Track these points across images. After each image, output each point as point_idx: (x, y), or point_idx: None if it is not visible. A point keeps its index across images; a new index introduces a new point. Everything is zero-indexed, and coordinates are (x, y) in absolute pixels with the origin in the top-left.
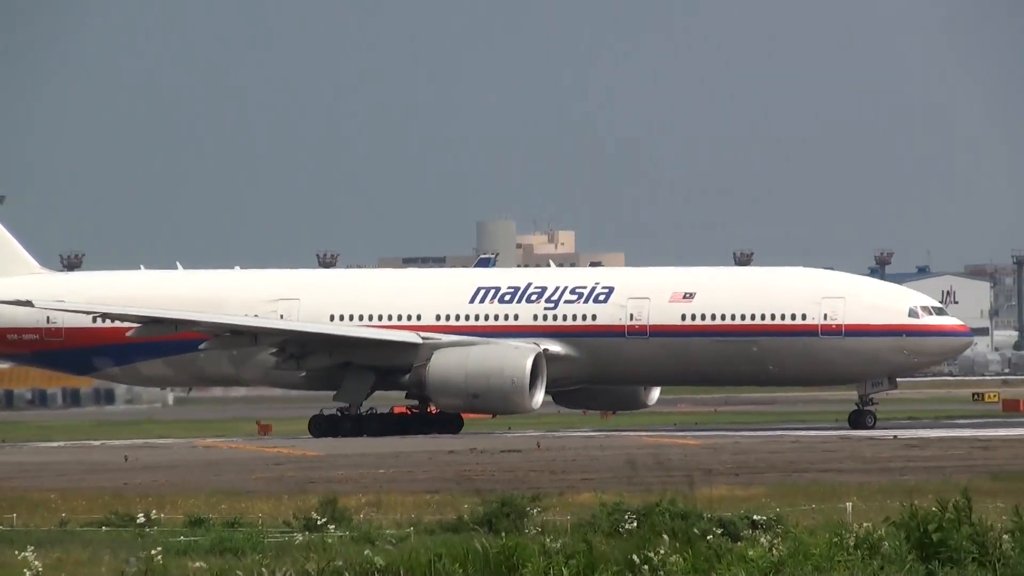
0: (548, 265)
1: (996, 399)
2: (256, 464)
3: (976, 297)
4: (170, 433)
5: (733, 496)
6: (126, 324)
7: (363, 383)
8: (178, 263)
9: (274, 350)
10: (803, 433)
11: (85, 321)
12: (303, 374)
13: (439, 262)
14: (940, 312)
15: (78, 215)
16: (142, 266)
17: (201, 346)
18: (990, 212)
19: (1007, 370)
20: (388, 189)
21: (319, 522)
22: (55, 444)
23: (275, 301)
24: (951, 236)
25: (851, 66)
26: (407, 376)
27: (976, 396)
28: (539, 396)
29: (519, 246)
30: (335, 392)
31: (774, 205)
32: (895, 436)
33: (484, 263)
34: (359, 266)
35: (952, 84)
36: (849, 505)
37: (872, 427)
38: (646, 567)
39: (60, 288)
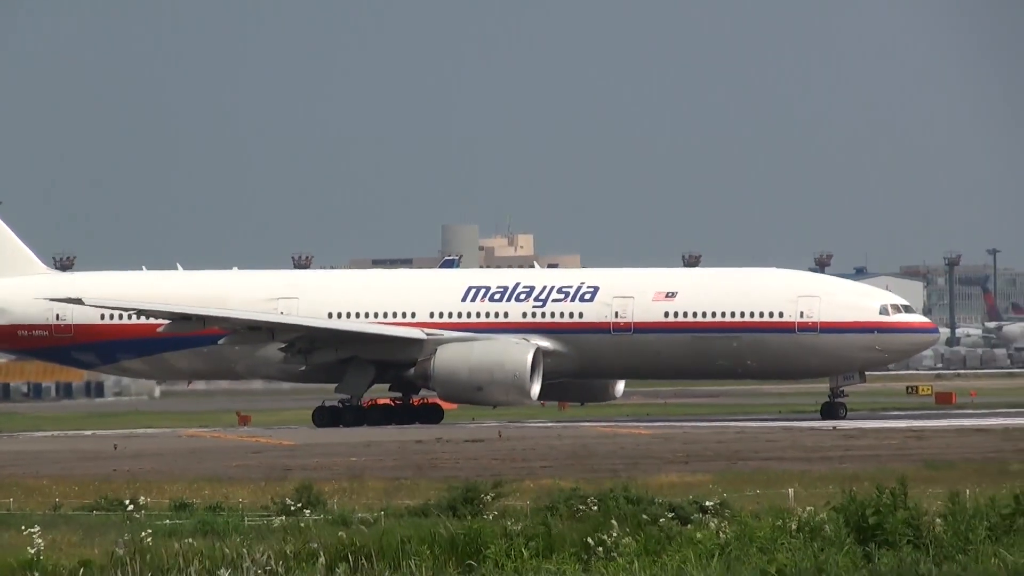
0: (508, 267)
1: (929, 392)
2: (236, 452)
3: (910, 296)
4: (156, 423)
5: (682, 483)
6: (152, 321)
7: (364, 376)
8: (178, 264)
9: (283, 345)
10: (748, 424)
11: (94, 318)
12: (303, 368)
13: (406, 263)
14: (908, 310)
15: (59, 219)
16: (143, 267)
17: (220, 341)
18: (924, 216)
19: (939, 365)
20: (358, 194)
21: (295, 506)
22: (48, 434)
23: (275, 300)
24: (887, 239)
25: (793, 76)
26: (412, 370)
27: (910, 389)
28: (537, 388)
29: (481, 248)
30: (336, 385)
31: (720, 209)
32: (834, 427)
33: (448, 264)
34: (332, 267)
35: (891, 94)
36: (791, 491)
37: (844, 418)
38: (600, 549)
39: (70, 287)
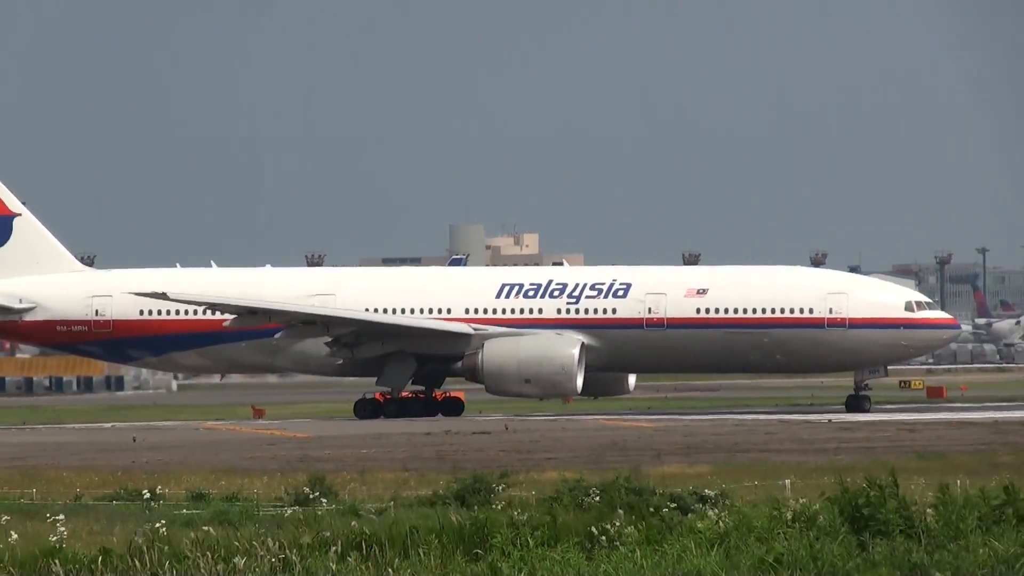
0: (514, 264)
1: (921, 386)
2: (251, 444)
3: None
4: (174, 416)
5: (683, 474)
6: (189, 317)
7: (406, 370)
8: (212, 262)
9: (329, 340)
10: (747, 417)
11: (133, 314)
12: (341, 362)
13: (415, 262)
14: (931, 306)
15: (73, 217)
16: (177, 264)
17: (276, 336)
18: (916, 216)
19: (931, 360)
20: (368, 195)
21: (309, 496)
22: (70, 426)
23: (312, 296)
24: (880, 238)
25: (787, 77)
26: (459, 363)
27: (903, 383)
28: (581, 381)
29: (488, 247)
30: (376, 378)
31: (718, 209)
32: (829, 420)
33: (456, 263)
34: (344, 266)
35: (884, 95)
36: (788, 482)
37: (868, 410)
38: (604, 538)
39: (111, 284)
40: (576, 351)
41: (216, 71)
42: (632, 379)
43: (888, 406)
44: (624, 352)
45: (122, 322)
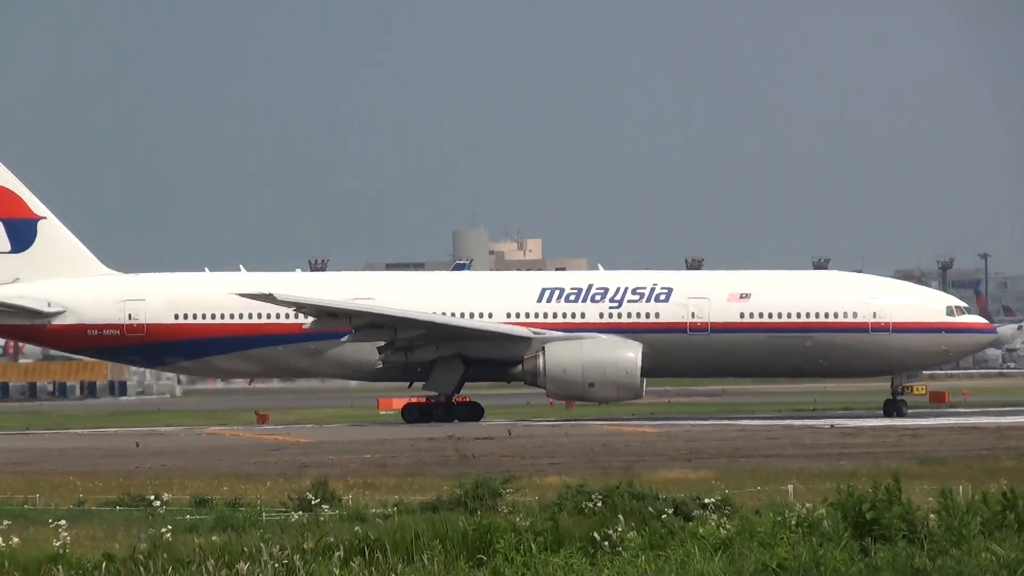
0: (517, 270)
1: (923, 392)
2: (255, 450)
3: None
4: (177, 422)
5: (685, 479)
6: (214, 321)
7: (454, 373)
8: (241, 266)
9: (382, 343)
10: (749, 422)
11: (166, 318)
12: (380, 366)
13: (419, 267)
14: (970, 312)
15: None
16: (206, 268)
17: (343, 338)
18: (918, 221)
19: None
20: (371, 200)
21: (312, 502)
22: (73, 431)
23: (352, 300)
24: (882, 243)
25: (789, 83)
26: (517, 367)
27: (905, 389)
28: (643, 384)
29: (491, 252)
30: (424, 382)
31: (720, 215)
32: (832, 425)
33: (460, 267)
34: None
35: (885, 101)
36: (791, 487)
37: (905, 415)
38: (607, 543)
39: (141, 287)
40: (640, 356)
41: (214, 75)
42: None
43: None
44: (668, 356)
45: (156, 326)
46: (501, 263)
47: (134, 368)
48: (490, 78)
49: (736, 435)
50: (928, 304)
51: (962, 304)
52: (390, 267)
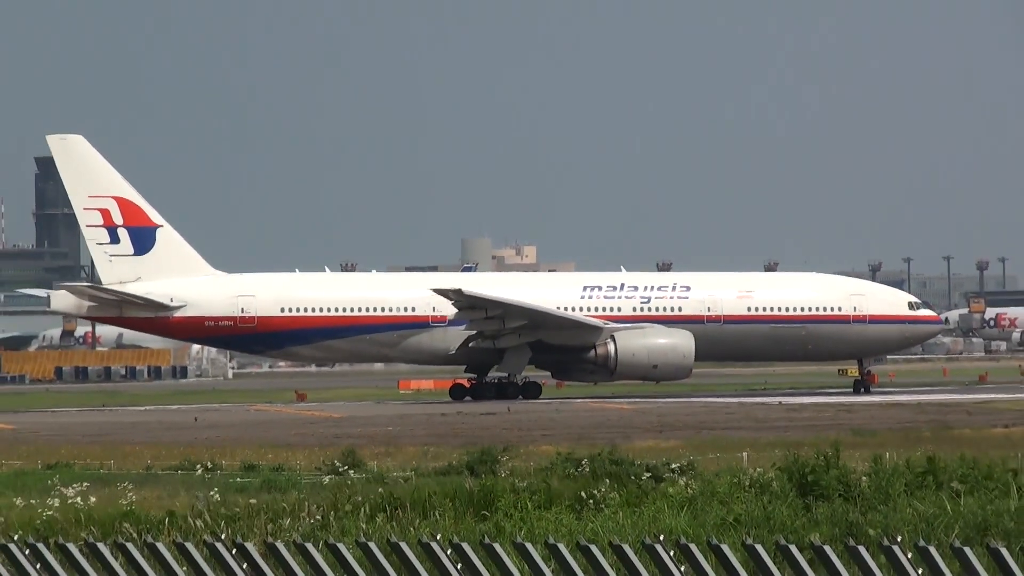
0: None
1: (856, 374)
2: (294, 424)
3: None
4: (229, 400)
5: (657, 448)
6: (321, 314)
7: (523, 357)
8: (326, 267)
9: (473, 332)
10: (711, 400)
11: (274, 311)
12: (452, 352)
13: (432, 269)
14: (925, 306)
15: None
16: (298, 268)
17: (464, 326)
18: (852, 229)
19: None
20: (391, 211)
21: (342, 468)
22: (142, 408)
23: (427, 297)
24: (823, 248)
25: (739, 111)
26: (590, 352)
27: (841, 371)
28: None
29: (494, 257)
30: (497, 365)
31: (686, 224)
32: (780, 402)
33: (468, 270)
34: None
35: (825, 126)
36: (745, 454)
37: (870, 392)
38: (591, 501)
39: (251, 285)
40: (693, 342)
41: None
42: None
43: (829, 390)
44: None
45: (265, 318)
46: (502, 266)
47: (193, 354)
48: (492, 106)
49: (700, 410)
50: (895, 300)
51: (918, 300)
52: (408, 270)
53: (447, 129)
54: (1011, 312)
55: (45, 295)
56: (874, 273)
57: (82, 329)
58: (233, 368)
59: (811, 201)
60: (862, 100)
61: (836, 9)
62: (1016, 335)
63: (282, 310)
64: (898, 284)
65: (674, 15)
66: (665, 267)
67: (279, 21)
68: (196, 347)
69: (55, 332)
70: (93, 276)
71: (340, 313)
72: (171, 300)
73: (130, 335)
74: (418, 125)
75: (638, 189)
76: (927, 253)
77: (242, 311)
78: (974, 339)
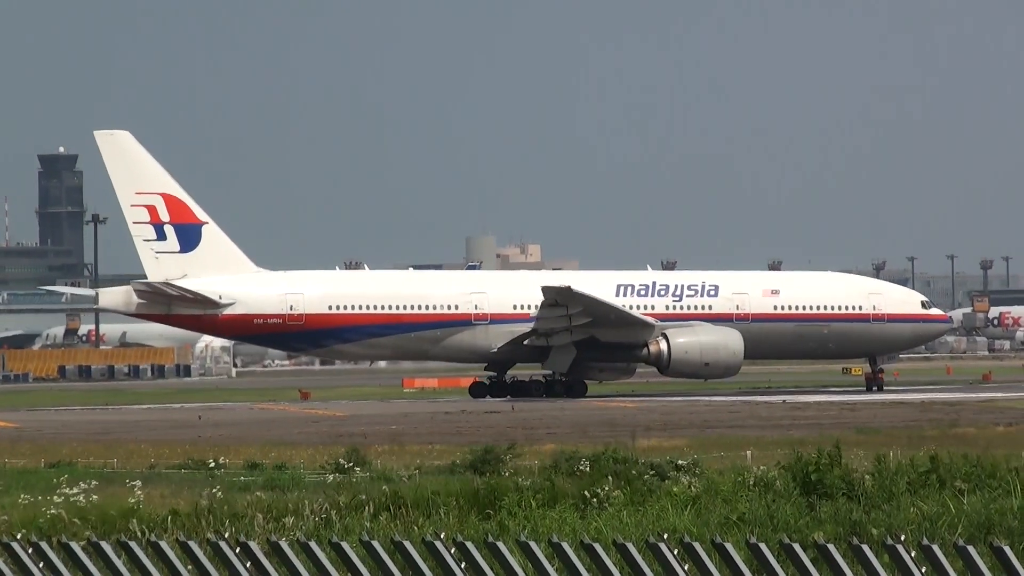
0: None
1: (859, 372)
2: (298, 422)
3: None
4: (233, 398)
5: (661, 446)
6: (366, 311)
7: (569, 356)
8: (365, 264)
9: (527, 331)
10: (714, 399)
11: (322, 308)
12: (494, 351)
13: (437, 267)
14: (934, 306)
15: None
16: (336, 267)
17: (536, 323)
18: (856, 228)
19: None
20: (397, 210)
21: (346, 465)
22: (145, 406)
23: (470, 295)
24: (827, 247)
25: (745, 115)
26: (642, 350)
27: (844, 370)
28: None
29: (498, 256)
30: (544, 362)
31: (689, 224)
32: (784, 400)
33: (472, 268)
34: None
35: (831, 131)
36: (749, 453)
37: (883, 389)
38: (595, 500)
39: (299, 283)
40: (742, 340)
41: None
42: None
43: (832, 389)
44: None
45: (313, 315)
46: (506, 265)
47: (197, 352)
48: (499, 108)
49: (704, 409)
50: (909, 299)
51: (928, 300)
52: (415, 267)
53: (452, 128)
54: (1015, 311)
55: (62, 292)
56: (878, 272)
57: (85, 327)
58: (237, 367)
59: (815, 199)
60: (866, 98)
61: (842, 9)
62: (1020, 334)
63: (330, 307)
64: (902, 283)
65: (678, 14)
66: (669, 266)
67: (279, 21)
68: (200, 345)
69: (59, 330)
70: (97, 275)
71: (387, 311)
72: (220, 297)
73: (133, 333)
74: (423, 124)
75: (641, 188)
76: (931, 252)
77: (291, 308)
78: (978, 338)
